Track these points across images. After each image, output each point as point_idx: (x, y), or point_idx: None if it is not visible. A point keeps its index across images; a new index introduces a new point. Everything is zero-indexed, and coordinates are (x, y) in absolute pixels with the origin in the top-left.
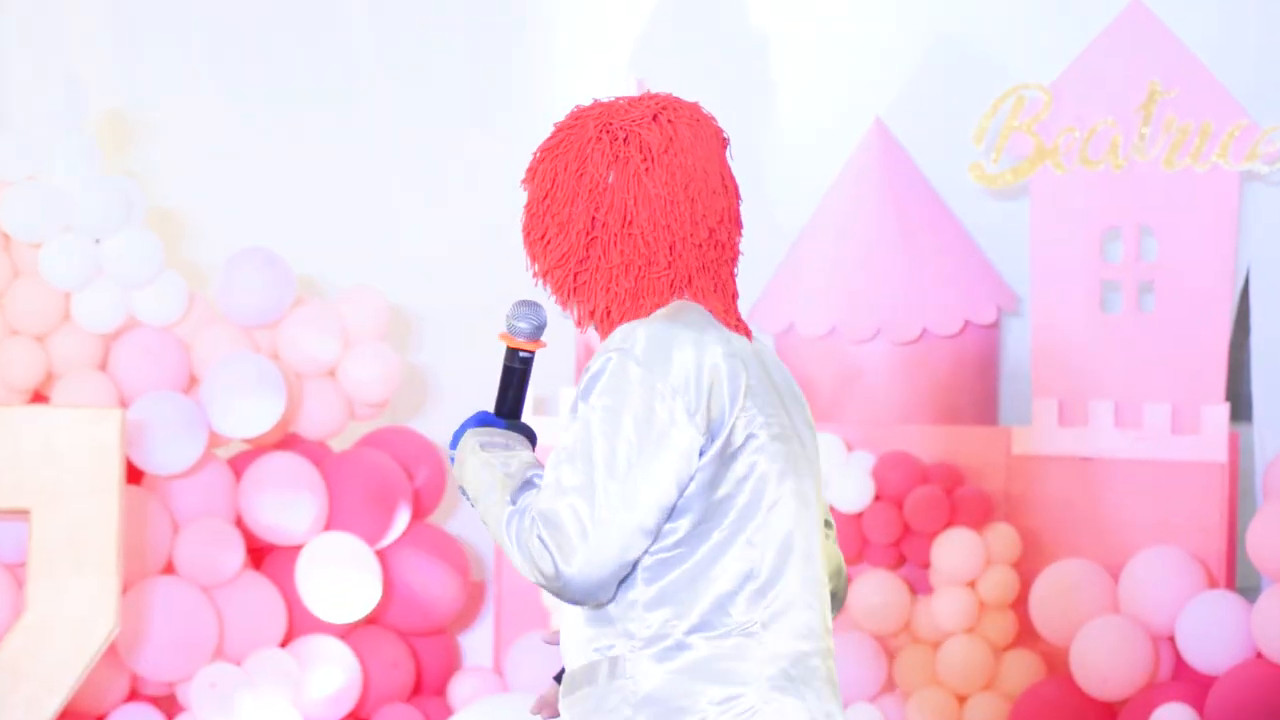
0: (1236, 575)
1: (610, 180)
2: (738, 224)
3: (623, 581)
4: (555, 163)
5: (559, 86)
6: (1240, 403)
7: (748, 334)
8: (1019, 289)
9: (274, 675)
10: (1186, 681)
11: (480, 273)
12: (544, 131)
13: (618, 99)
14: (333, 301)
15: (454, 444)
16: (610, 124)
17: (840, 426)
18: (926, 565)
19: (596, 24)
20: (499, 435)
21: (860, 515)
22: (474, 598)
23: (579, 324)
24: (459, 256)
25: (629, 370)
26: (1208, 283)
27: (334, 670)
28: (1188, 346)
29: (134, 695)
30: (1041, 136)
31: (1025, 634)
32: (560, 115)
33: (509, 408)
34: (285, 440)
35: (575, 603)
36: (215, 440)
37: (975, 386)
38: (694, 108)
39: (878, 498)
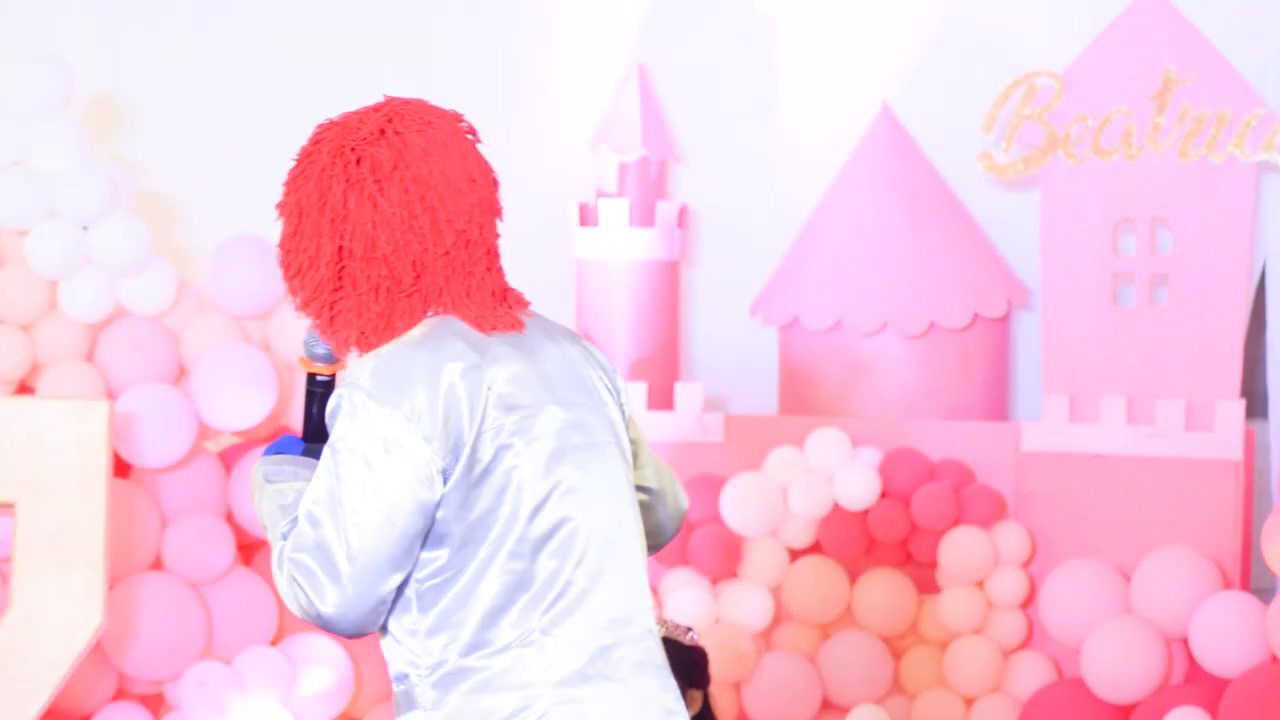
0: (1251, 576)
1: (350, 206)
2: (493, 212)
3: (404, 611)
4: (300, 194)
5: (560, 74)
6: (1256, 399)
7: (517, 326)
8: (1030, 282)
9: (265, 674)
10: (1200, 684)
11: None
12: (544, 123)
13: (353, 114)
14: None
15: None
16: (343, 146)
17: (846, 422)
18: (934, 564)
19: (598, 8)
20: (288, 463)
21: (866, 513)
22: None
23: (339, 353)
24: None
25: (358, 402)
26: (1223, 276)
27: (326, 669)
28: (1202, 341)
29: (121, 695)
30: (1053, 125)
31: (1035, 635)
32: (560, 104)
33: (313, 431)
34: (276, 433)
35: (347, 635)
36: (205, 433)
37: (984, 381)
38: (423, 107)
39: (884, 495)
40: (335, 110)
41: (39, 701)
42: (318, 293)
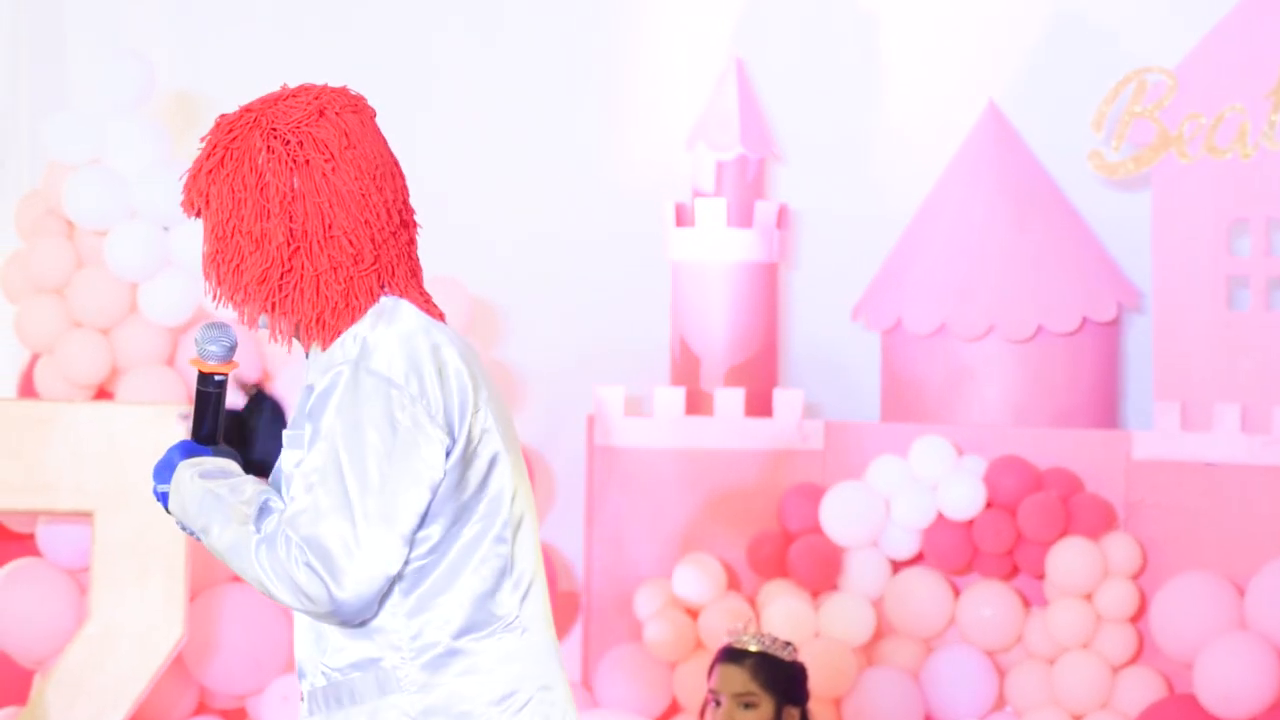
0: None
1: (296, 186)
2: (409, 200)
3: (387, 593)
4: (229, 182)
5: (656, 70)
6: None
7: (443, 316)
8: (1141, 284)
9: None
10: None
11: (569, 267)
12: (639, 120)
13: (268, 100)
14: None
15: (162, 478)
16: (275, 129)
17: (950, 429)
18: (1041, 577)
19: (694, 2)
20: (212, 462)
21: (971, 523)
22: (562, 608)
23: (278, 337)
24: (546, 248)
25: (363, 382)
26: None
27: None
28: None
29: (202, 709)
30: (1165, 123)
31: (1145, 650)
32: (655, 101)
33: (207, 433)
34: None
35: (343, 623)
36: None
37: (1093, 388)
38: (346, 93)
39: (989, 505)
40: (423, 106)
41: (118, 715)
42: (265, 279)
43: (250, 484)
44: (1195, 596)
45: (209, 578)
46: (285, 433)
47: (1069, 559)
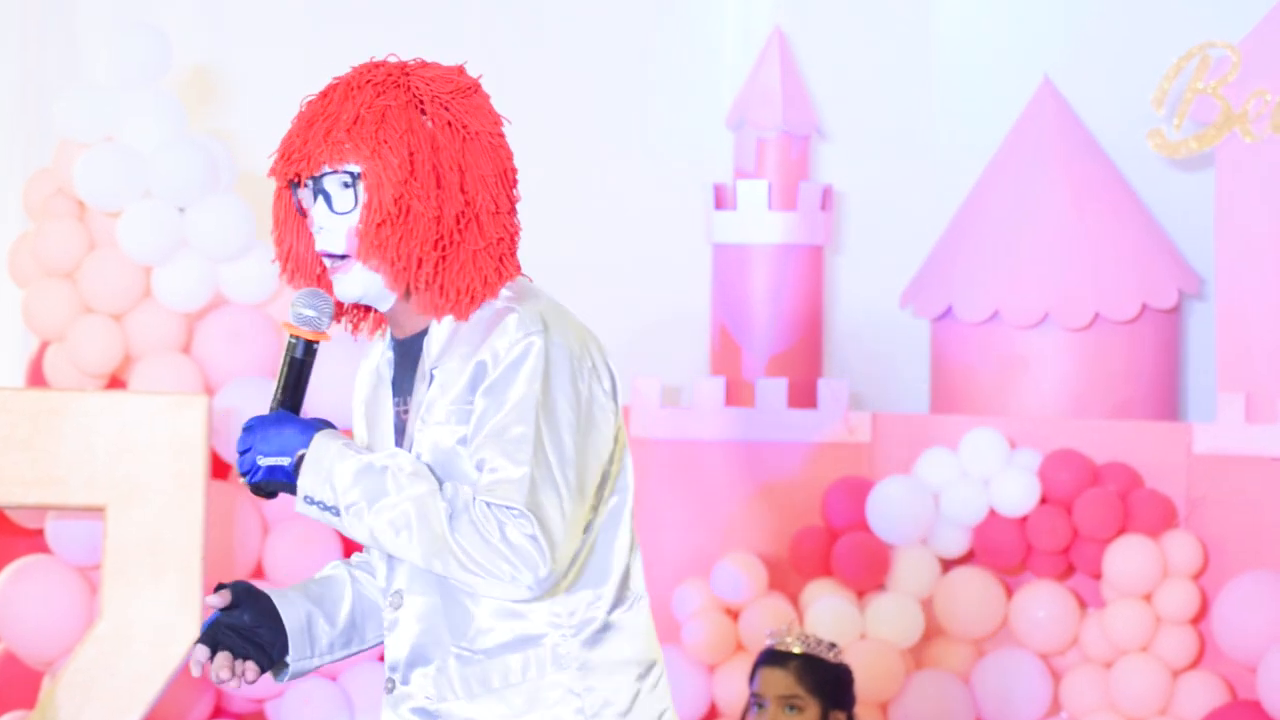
0: None
1: (467, 158)
2: None
3: None
4: (397, 146)
5: (693, 44)
6: None
7: None
8: (1203, 270)
9: (372, 691)
10: None
11: (605, 251)
12: (677, 97)
13: (393, 68)
14: None
15: (271, 447)
16: (436, 97)
17: (1003, 421)
18: (1098, 576)
19: None
20: (341, 434)
21: (1025, 519)
22: None
23: (435, 312)
24: (581, 232)
25: (553, 353)
26: None
27: None
28: None
29: (219, 712)
30: (1229, 100)
31: (1207, 653)
32: (693, 76)
33: (294, 405)
34: None
35: (534, 600)
36: None
37: (1153, 378)
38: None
39: (1044, 500)
40: None
41: (132, 718)
42: (436, 245)
43: (405, 456)
44: (1259, 597)
45: (226, 575)
46: (444, 406)
47: (1127, 558)
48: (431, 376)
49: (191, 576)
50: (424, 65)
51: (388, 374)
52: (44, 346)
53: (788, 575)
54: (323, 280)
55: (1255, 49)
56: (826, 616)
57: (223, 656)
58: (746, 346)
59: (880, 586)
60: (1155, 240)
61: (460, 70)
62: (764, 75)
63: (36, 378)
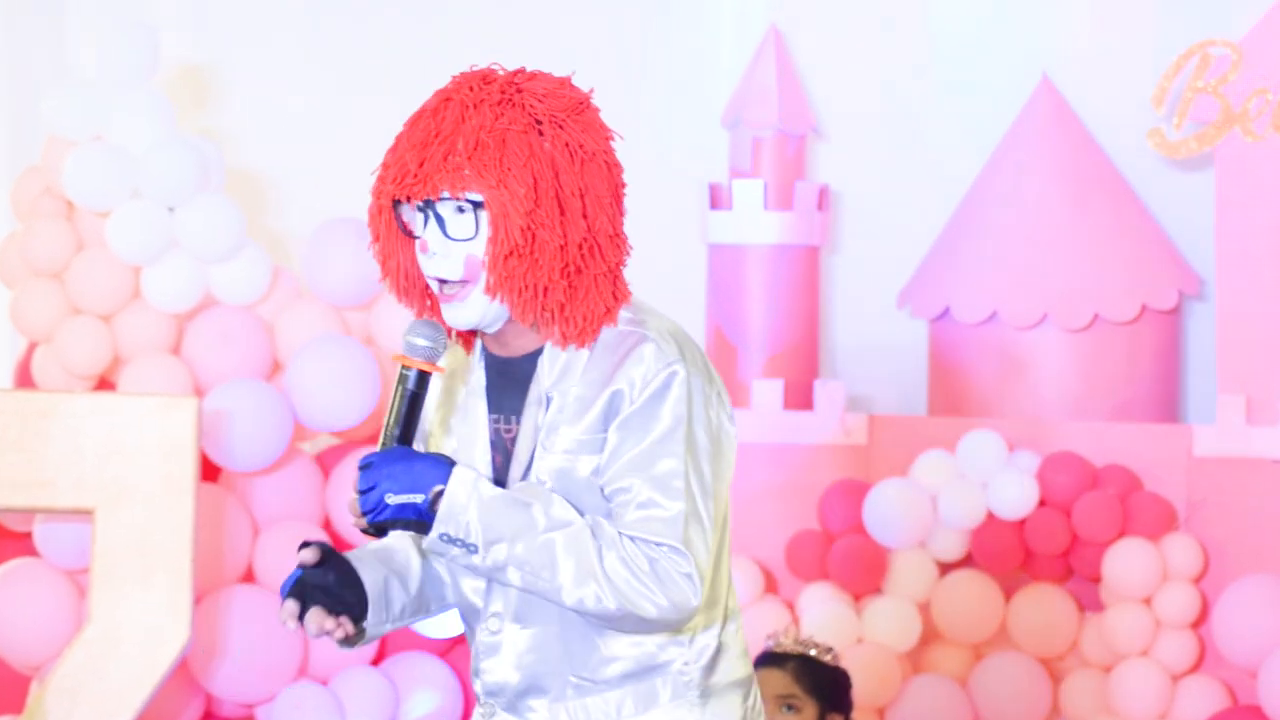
0: None
1: (585, 182)
2: None
3: None
4: (521, 178)
5: (686, 40)
6: None
7: None
8: (1203, 271)
9: (365, 697)
10: None
11: None
12: (670, 95)
13: (506, 82)
14: None
15: (403, 485)
16: (553, 116)
17: (1001, 423)
18: (1097, 579)
19: None
20: (470, 467)
21: (1023, 523)
22: None
23: (562, 340)
24: None
25: (692, 383)
26: None
27: (432, 692)
28: None
29: (209, 717)
30: (1229, 99)
31: (1207, 658)
32: (687, 73)
33: (409, 437)
34: (379, 433)
35: (666, 630)
36: (301, 433)
37: (1153, 380)
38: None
39: (1042, 503)
40: (438, 83)
41: None
42: (563, 274)
43: (542, 489)
44: (1260, 601)
45: (216, 579)
46: (573, 435)
47: (1126, 561)
48: (548, 400)
49: (181, 579)
50: (533, 78)
51: (480, 387)
52: (32, 347)
53: (784, 579)
54: (428, 298)
55: (1256, 47)
56: (823, 620)
57: (317, 611)
58: (742, 348)
59: (877, 590)
60: (1155, 241)
61: (569, 84)
62: (760, 73)
63: (24, 379)
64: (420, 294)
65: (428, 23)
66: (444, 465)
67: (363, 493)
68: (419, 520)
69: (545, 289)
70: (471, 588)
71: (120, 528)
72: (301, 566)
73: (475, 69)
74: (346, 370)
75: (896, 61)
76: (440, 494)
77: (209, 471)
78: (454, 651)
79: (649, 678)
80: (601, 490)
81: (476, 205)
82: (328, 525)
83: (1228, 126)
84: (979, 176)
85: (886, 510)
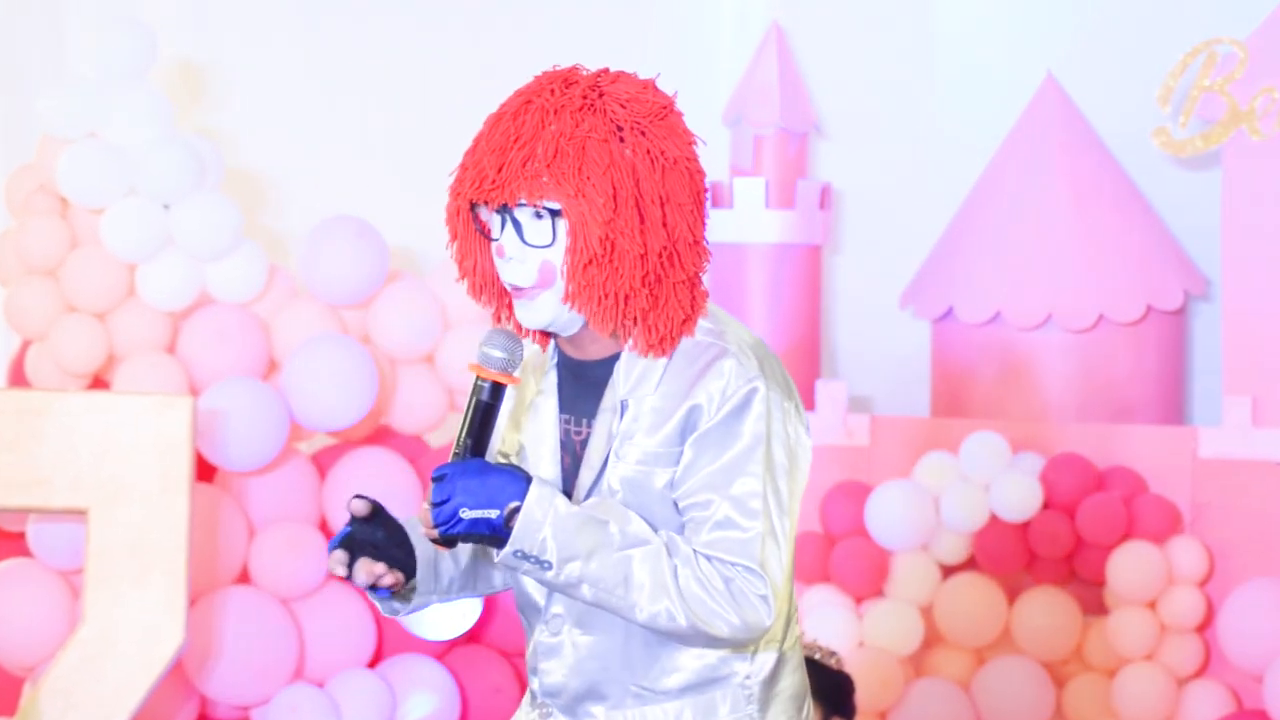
0: None
1: (665, 190)
2: None
3: None
4: (600, 188)
5: (687, 37)
6: None
7: None
8: (1209, 271)
9: (361, 700)
10: None
11: None
12: (674, 90)
13: (599, 84)
14: (431, 277)
15: (485, 502)
16: (635, 123)
17: (1004, 425)
18: (1101, 583)
19: None
20: (547, 481)
21: (1026, 525)
22: None
23: (644, 348)
24: None
25: (771, 399)
26: None
27: (429, 695)
28: None
29: (204, 719)
30: (1236, 97)
31: (1212, 662)
32: (688, 71)
33: (483, 449)
34: (376, 434)
35: (747, 644)
36: (297, 433)
37: (1158, 381)
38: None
39: (1046, 506)
40: (444, 79)
41: None
42: (643, 283)
43: (617, 506)
44: (1266, 604)
45: (211, 580)
46: (648, 446)
47: (1131, 564)
48: (623, 407)
49: (176, 580)
50: (616, 80)
51: (553, 386)
52: (25, 346)
53: None
54: (506, 297)
55: (1263, 45)
56: (825, 623)
57: (365, 560)
58: None
59: (879, 593)
60: (1160, 240)
61: (653, 87)
62: (761, 70)
63: (18, 378)
64: (499, 294)
65: (427, 22)
66: (520, 480)
67: (437, 505)
68: (493, 535)
69: (626, 297)
70: (533, 586)
71: (115, 528)
72: (353, 517)
73: (557, 69)
74: (343, 370)
75: (899, 59)
76: (516, 510)
77: (204, 471)
78: (451, 654)
79: (709, 690)
80: (675, 504)
81: (554, 213)
82: (324, 527)
83: (1234, 125)
84: (982, 175)
85: (888, 512)
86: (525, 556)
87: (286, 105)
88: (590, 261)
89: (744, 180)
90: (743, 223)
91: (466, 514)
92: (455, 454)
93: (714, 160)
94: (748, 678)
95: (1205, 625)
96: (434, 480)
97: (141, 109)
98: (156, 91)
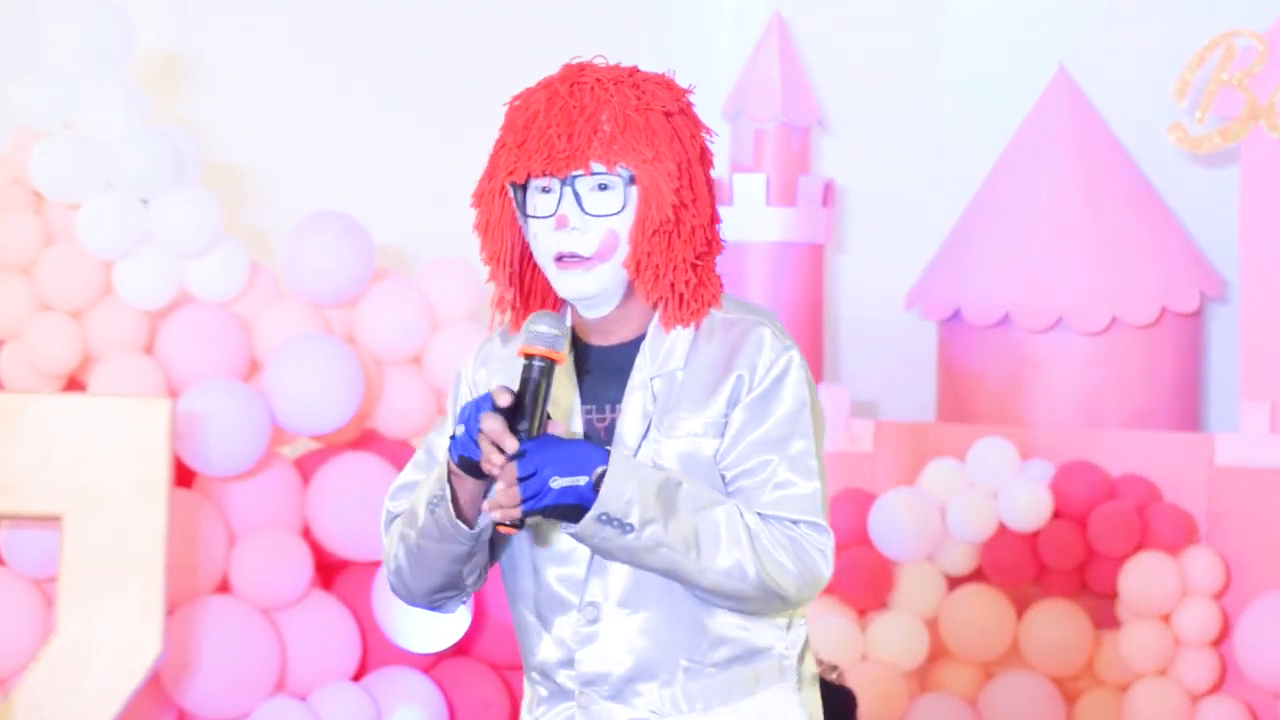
0: None
1: (704, 168)
2: None
3: None
4: (670, 156)
5: (686, 29)
6: None
7: None
8: (1226, 271)
9: (345, 713)
10: None
11: None
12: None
13: (634, 73)
14: (418, 276)
15: (574, 469)
16: (682, 110)
17: (1013, 430)
18: (1113, 595)
19: None
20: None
21: (1036, 535)
22: None
23: (681, 320)
24: None
25: (804, 366)
26: None
27: (415, 709)
28: None
29: None
30: (1255, 92)
31: (1228, 677)
32: (687, 63)
33: (543, 427)
34: (362, 438)
35: (789, 610)
36: (280, 437)
37: (1173, 386)
38: None
39: (1057, 515)
40: (431, 72)
41: None
42: (699, 254)
43: (677, 470)
44: None
45: (190, 589)
46: (697, 419)
47: (1144, 576)
48: (653, 384)
49: (153, 588)
50: (635, 71)
51: (572, 377)
52: None
53: None
54: (523, 286)
55: None
56: (827, 636)
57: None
58: None
59: (883, 605)
60: (1176, 240)
61: (673, 81)
62: (762, 63)
63: None
64: (521, 277)
65: (415, 14)
66: (599, 447)
67: (524, 479)
68: (576, 505)
69: (681, 268)
70: (557, 577)
71: (90, 534)
72: (493, 406)
73: (578, 60)
74: (328, 371)
75: (905, 51)
76: (604, 475)
77: (183, 476)
78: (438, 667)
79: (754, 661)
80: (721, 475)
81: (627, 181)
82: (307, 534)
83: (1253, 121)
84: (992, 172)
85: (893, 521)
86: (609, 520)
87: (269, 97)
88: (659, 229)
89: (744, 176)
90: (742, 220)
91: (556, 482)
92: (523, 437)
93: (714, 155)
94: (787, 649)
95: (1221, 639)
96: (513, 459)
97: (117, 100)
98: (133, 81)
